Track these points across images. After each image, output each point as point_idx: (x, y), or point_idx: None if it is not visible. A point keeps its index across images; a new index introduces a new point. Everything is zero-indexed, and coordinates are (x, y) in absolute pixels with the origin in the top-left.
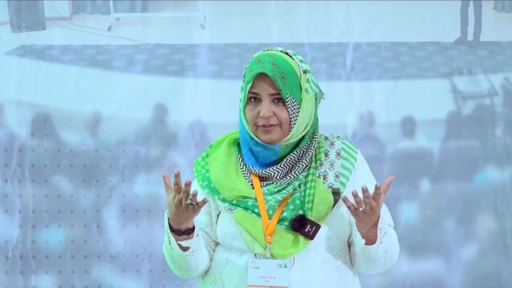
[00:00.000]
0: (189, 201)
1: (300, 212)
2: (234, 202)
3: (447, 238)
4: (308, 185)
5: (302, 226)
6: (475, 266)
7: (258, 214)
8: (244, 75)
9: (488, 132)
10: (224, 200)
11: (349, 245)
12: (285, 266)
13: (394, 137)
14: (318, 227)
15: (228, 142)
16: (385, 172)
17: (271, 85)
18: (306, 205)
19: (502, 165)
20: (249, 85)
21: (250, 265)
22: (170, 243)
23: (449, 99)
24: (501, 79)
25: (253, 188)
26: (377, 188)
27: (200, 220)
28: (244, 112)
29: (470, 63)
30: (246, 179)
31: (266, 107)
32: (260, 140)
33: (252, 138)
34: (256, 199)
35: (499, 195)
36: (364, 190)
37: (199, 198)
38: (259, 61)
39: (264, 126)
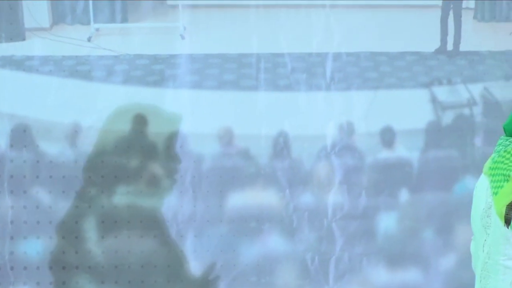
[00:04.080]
0: None
1: None
2: None
3: (426, 249)
4: None
5: None
6: (454, 276)
7: None
8: None
9: (467, 142)
10: None
11: None
12: None
13: (373, 147)
14: None
15: None
16: (364, 182)
17: None
18: None
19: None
20: None
21: None
22: None
23: (428, 109)
24: (480, 89)
25: None
26: None
27: None
28: None
29: (449, 73)
30: None
31: None
32: None
33: None
34: None
35: None
36: None
37: None
38: None
39: None
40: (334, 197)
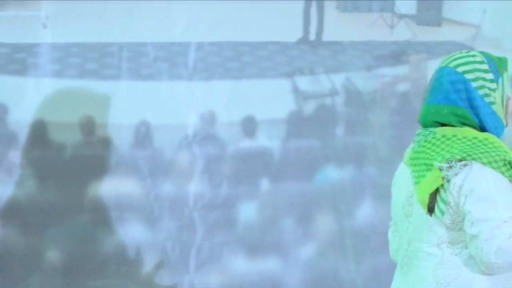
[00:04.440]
0: None
1: None
2: None
3: (286, 237)
4: None
5: None
6: (313, 265)
7: None
8: (496, 68)
9: (328, 132)
10: None
11: None
12: None
13: (235, 136)
14: None
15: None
16: (225, 171)
17: None
18: None
19: (342, 165)
20: (507, 73)
21: None
22: None
23: (290, 99)
24: (342, 78)
25: None
26: None
27: None
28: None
29: (311, 63)
30: None
31: None
32: (507, 125)
33: (503, 124)
34: None
35: (338, 194)
36: None
37: None
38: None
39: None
40: (195, 187)
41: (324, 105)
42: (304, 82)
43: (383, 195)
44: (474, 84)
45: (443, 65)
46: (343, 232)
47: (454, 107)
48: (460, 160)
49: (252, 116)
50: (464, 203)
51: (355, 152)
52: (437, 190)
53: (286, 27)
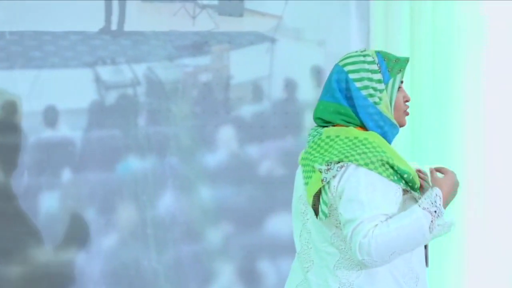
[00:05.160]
0: None
1: None
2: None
3: (89, 228)
4: None
5: None
6: (115, 255)
7: None
8: (388, 69)
9: (130, 122)
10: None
11: None
12: None
13: (36, 126)
14: None
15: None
16: (27, 162)
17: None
18: None
19: (144, 155)
20: (401, 74)
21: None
22: (444, 226)
23: (92, 89)
24: (144, 69)
25: None
26: None
27: None
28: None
29: (113, 53)
30: None
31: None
32: (401, 125)
33: (393, 124)
34: None
35: (141, 184)
36: None
37: None
38: (390, 53)
39: (405, 111)
40: None
41: (126, 95)
42: (106, 72)
43: (185, 186)
44: (358, 84)
45: (337, 63)
46: (145, 222)
47: (338, 105)
48: (338, 162)
49: (54, 106)
50: (338, 205)
51: (157, 142)
52: (320, 192)
53: (88, 17)
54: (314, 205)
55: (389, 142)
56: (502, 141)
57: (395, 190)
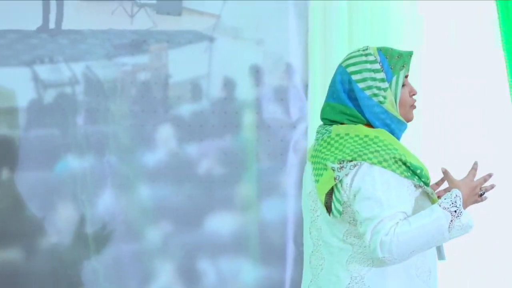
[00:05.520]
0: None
1: None
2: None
3: (28, 228)
4: None
5: None
6: (54, 254)
7: None
8: (391, 66)
9: (69, 121)
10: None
11: None
12: None
13: None
14: None
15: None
16: None
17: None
18: None
19: (83, 154)
20: (404, 70)
21: None
22: (463, 226)
23: (30, 88)
24: (82, 67)
25: None
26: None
27: None
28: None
29: (51, 52)
30: None
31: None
32: (408, 120)
33: (399, 121)
34: None
35: (79, 183)
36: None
37: None
38: (393, 49)
39: (412, 105)
40: None
41: (64, 94)
42: (44, 71)
43: (124, 185)
44: (361, 85)
45: (340, 63)
46: (84, 220)
47: (344, 106)
48: (351, 161)
49: None
50: (353, 203)
51: (95, 141)
52: (332, 190)
53: (26, 15)
54: (326, 202)
55: (398, 139)
56: (438, 141)
57: (408, 186)
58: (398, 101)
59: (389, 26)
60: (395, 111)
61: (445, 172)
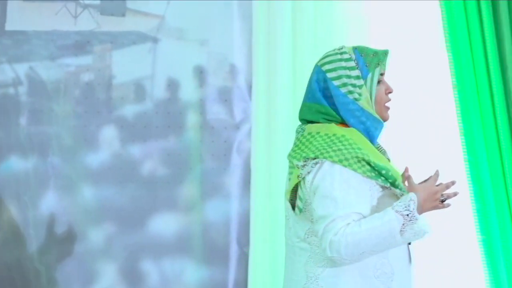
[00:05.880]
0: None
1: None
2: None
3: None
4: None
5: None
6: None
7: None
8: (366, 64)
9: (12, 122)
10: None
11: None
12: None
13: None
14: None
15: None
16: None
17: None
18: None
19: (26, 155)
20: (379, 67)
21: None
22: (416, 231)
23: None
24: (26, 68)
25: None
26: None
27: None
28: (370, 95)
29: None
30: None
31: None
32: (384, 120)
33: (375, 119)
34: None
35: (22, 184)
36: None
37: None
38: (368, 48)
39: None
40: None
41: (8, 95)
42: None
43: (67, 186)
44: (336, 82)
45: (316, 63)
46: (28, 222)
47: (320, 105)
48: (314, 159)
49: None
50: (312, 200)
51: (39, 142)
52: (297, 188)
53: None
54: (291, 200)
55: (375, 137)
56: (382, 142)
57: (371, 186)
58: (373, 98)
59: (334, 26)
60: (370, 108)
61: (407, 177)
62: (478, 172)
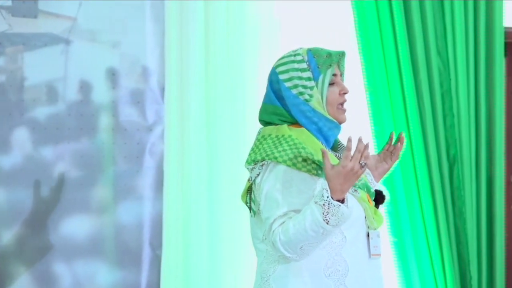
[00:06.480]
0: (363, 162)
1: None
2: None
3: None
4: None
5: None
6: None
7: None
8: (318, 65)
9: None
10: None
11: None
12: (378, 236)
13: None
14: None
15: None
16: None
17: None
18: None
19: None
20: (331, 68)
21: (372, 238)
22: (339, 216)
23: None
24: None
25: None
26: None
27: None
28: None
29: None
30: None
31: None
32: (339, 121)
33: (328, 119)
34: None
35: None
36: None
37: None
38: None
39: (342, 105)
40: None
41: None
42: None
43: None
44: (288, 84)
45: (273, 65)
46: None
47: (274, 107)
48: (262, 161)
49: None
50: (261, 202)
51: None
52: (250, 191)
53: None
54: (247, 203)
55: (329, 137)
56: None
57: (316, 184)
58: (325, 99)
59: (246, 26)
60: (322, 109)
61: (326, 162)
62: (390, 175)
